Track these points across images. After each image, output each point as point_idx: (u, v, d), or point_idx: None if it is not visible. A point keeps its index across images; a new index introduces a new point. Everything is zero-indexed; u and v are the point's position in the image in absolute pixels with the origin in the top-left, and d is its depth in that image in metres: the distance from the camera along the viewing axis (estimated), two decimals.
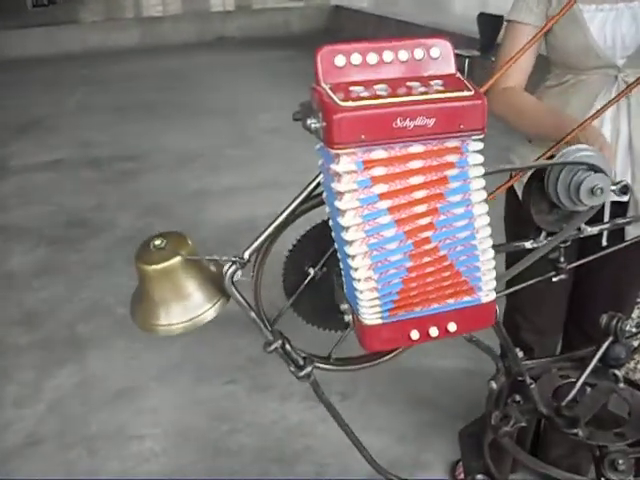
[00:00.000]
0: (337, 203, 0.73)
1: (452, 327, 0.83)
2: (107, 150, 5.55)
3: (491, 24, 7.36)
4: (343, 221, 0.73)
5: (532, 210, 1.02)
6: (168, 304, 0.87)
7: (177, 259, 0.86)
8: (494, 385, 1.16)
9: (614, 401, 1.13)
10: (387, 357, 0.99)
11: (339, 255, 0.82)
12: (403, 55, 0.75)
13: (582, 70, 1.57)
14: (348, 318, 0.88)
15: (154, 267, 0.86)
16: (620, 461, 0.97)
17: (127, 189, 4.63)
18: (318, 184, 0.84)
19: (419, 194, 0.74)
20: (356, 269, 0.75)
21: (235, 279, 0.85)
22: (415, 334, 0.82)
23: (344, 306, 0.89)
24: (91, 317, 3.06)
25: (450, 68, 0.77)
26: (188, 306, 0.87)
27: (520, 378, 1.13)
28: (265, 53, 9.87)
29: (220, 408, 2.43)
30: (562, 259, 1.10)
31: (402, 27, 9.62)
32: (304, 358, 0.93)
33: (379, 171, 0.72)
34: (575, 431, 1.04)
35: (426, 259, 0.77)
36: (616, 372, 1.14)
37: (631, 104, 1.53)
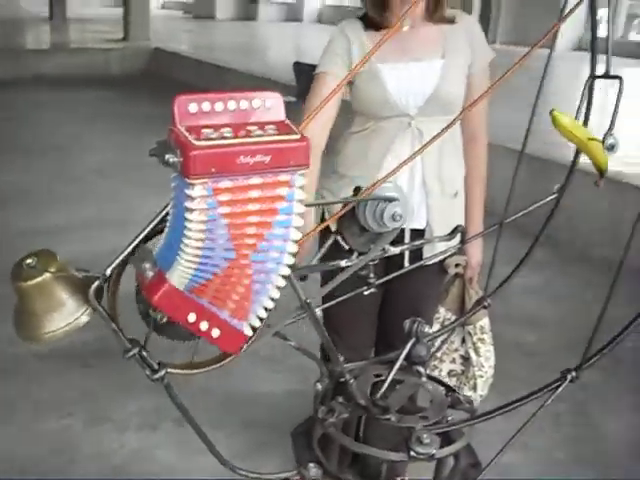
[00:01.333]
0: (187, 215, 0.87)
1: (215, 333, 0.96)
2: None
3: (306, 72, 7.83)
4: (191, 225, 0.87)
5: (345, 233, 1.23)
6: (47, 314, 0.98)
7: (48, 275, 0.96)
8: (319, 386, 1.34)
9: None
10: (227, 360, 1.13)
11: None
12: (243, 104, 0.93)
13: (381, 118, 1.85)
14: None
15: (28, 283, 0.96)
16: (424, 436, 1.19)
17: None
18: (167, 213, 0.99)
19: (253, 219, 0.91)
20: (187, 246, 0.88)
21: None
22: (192, 317, 0.94)
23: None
24: None
25: (281, 116, 0.96)
26: (64, 313, 0.98)
27: (342, 379, 1.33)
28: (85, 93, 9.71)
29: (59, 441, 2.43)
30: (372, 275, 1.32)
31: (219, 72, 9.91)
32: (158, 363, 1.05)
33: (224, 197, 0.88)
34: (388, 417, 1.25)
35: (236, 270, 0.93)
36: (419, 369, 1.37)
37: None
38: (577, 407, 2.85)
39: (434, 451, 1.18)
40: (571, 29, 17.42)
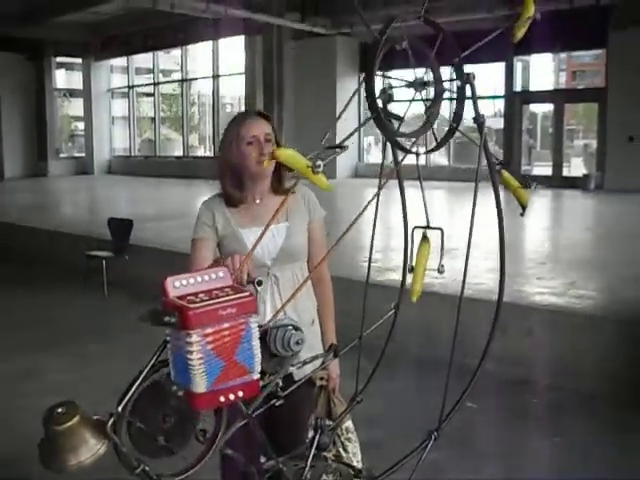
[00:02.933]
0: (188, 355, 1.29)
1: (240, 394, 1.38)
2: None
3: (121, 227, 8.17)
4: (192, 363, 1.28)
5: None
6: (74, 450, 1.30)
7: (75, 419, 1.31)
8: None
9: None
10: (195, 467, 1.50)
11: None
12: (206, 277, 1.38)
13: None
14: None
15: (60, 427, 1.29)
16: None
17: None
18: (159, 356, 1.38)
19: (228, 345, 1.34)
20: (193, 369, 1.29)
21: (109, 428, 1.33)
22: (222, 398, 1.35)
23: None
24: None
25: (229, 282, 1.41)
26: (88, 447, 1.31)
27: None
28: None
29: None
30: (279, 390, 1.75)
31: (34, 232, 9.94)
32: (157, 475, 1.41)
33: (210, 338, 1.31)
34: None
35: (230, 364, 1.35)
36: (325, 454, 1.80)
37: (280, 287, 2.35)
38: None
39: None
40: (350, 158, 19.54)
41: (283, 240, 2.34)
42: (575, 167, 18.50)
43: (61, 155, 26.17)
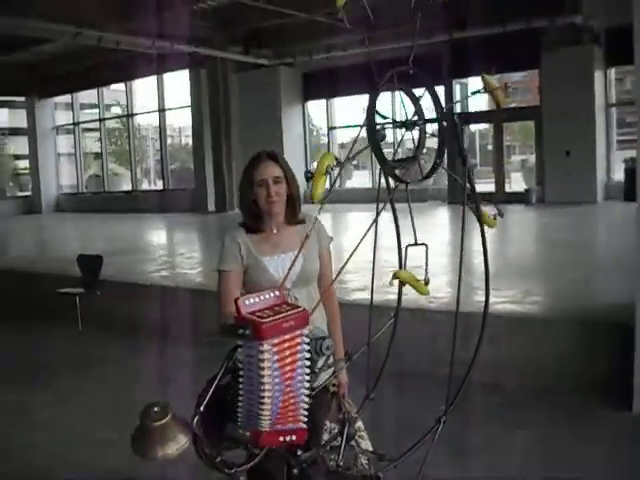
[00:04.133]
0: (260, 364, 1.61)
1: (293, 438, 1.71)
2: None
3: (90, 263, 8.35)
4: (263, 365, 1.61)
5: None
6: (165, 443, 1.62)
7: (169, 417, 1.62)
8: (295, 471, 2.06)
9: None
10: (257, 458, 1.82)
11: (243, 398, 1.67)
12: (266, 296, 1.71)
13: None
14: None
15: (156, 424, 1.61)
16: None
17: None
18: (226, 366, 1.71)
19: (288, 359, 1.67)
20: (264, 390, 1.62)
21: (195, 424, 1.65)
22: (281, 438, 1.69)
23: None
24: None
25: (284, 299, 1.75)
26: (176, 441, 1.63)
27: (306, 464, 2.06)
28: None
29: None
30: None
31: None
32: (231, 464, 1.73)
33: (276, 347, 1.64)
34: (350, 472, 2.01)
35: (288, 399, 1.68)
36: (352, 443, 2.14)
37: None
38: None
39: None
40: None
41: (300, 266, 2.68)
42: (515, 182, 19.33)
43: (7, 195, 25.90)
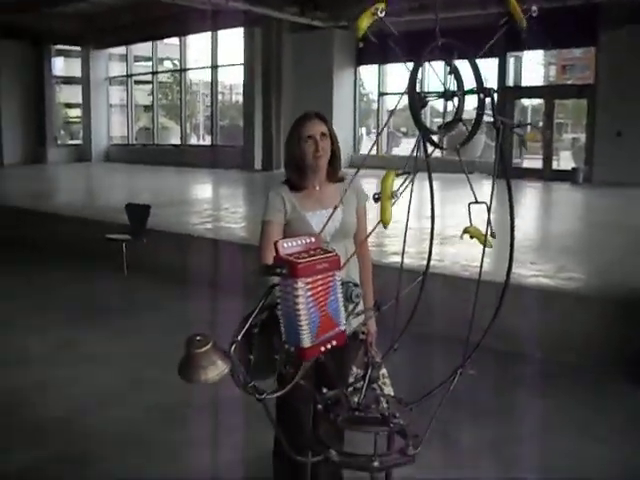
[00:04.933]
0: (296, 299, 1.78)
1: (334, 343, 1.89)
2: None
3: (138, 212, 8.64)
4: (298, 300, 1.78)
5: None
6: (206, 368, 1.80)
7: (209, 345, 1.81)
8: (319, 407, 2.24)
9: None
10: (287, 388, 2.00)
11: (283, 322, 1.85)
12: (302, 241, 1.87)
13: None
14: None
15: (199, 350, 1.79)
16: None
17: None
18: (263, 301, 1.88)
19: (321, 293, 1.84)
20: (300, 318, 1.79)
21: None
22: (323, 348, 1.85)
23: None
24: None
25: (319, 246, 1.91)
26: (216, 366, 1.81)
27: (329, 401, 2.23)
28: None
29: None
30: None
31: (53, 218, 10.37)
32: (261, 391, 1.91)
33: (310, 285, 1.80)
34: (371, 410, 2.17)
35: (323, 317, 1.85)
36: (374, 385, 2.31)
37: None
38: None
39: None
40: (345, 150, 20.02)
41: (339, 221, 2.84)
42: (564, 160, 19.10)
43: (58, 142, 26.49)
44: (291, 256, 1.82)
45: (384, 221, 1.93)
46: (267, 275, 1.85)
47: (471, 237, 2.19)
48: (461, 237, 2.16)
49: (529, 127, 20.22)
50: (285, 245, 1.85)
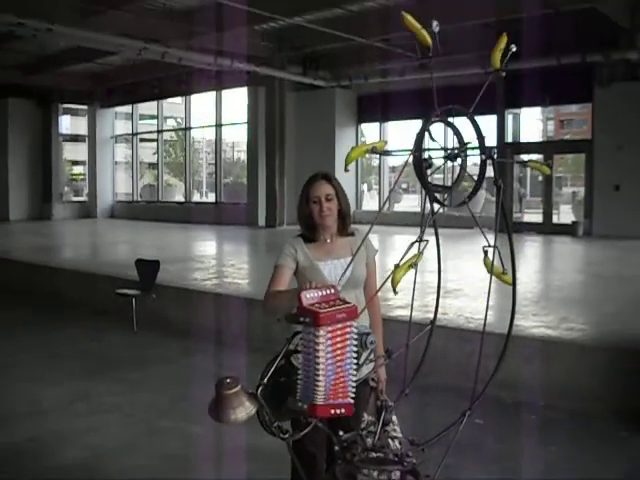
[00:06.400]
0: (316, 347, 1.96)
1: (341, 411, 2.06)
2: None
3: (148, 268, 8.82)
4: (319, 347, 1.95)
5: None
6: (236, 409, 1.97)
7: (239, 387, 1.98)
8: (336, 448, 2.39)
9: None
10: (308, 428, 2.16)
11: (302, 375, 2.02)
12: (322, 292, 2.06)
13: None
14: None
15: (229, 392, 1.96)
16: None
17: None
18: (287, 348, 2.06)
19: (339, 345, 2.01)
20: (318, 368, 1.96)
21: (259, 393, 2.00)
22: (332, 411, 2.03)
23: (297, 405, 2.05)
24: None
25: (336, 294, 2.10)
26: (244, 407, 1.98)
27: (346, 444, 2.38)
28: None
29: None
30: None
31: (61, 273, 10.55)
32: (285, 431, 2.07)
33: (330, 333, 1.98)
34: (385, 451, 2.32)
35: (339, 378, 2.02)
36: (387, 428, 2.46)
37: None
38: None
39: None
40: None
41: (350, 272, 3.03)
42: (565, 214, 19.38)
43: (63, 199, 26.86)
44: (313, 305, 2.01)
45: (393, 283, 2.09)
46: (292, 323, 2.04)
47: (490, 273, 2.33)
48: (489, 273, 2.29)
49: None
50: (308, 296, 2.04)
